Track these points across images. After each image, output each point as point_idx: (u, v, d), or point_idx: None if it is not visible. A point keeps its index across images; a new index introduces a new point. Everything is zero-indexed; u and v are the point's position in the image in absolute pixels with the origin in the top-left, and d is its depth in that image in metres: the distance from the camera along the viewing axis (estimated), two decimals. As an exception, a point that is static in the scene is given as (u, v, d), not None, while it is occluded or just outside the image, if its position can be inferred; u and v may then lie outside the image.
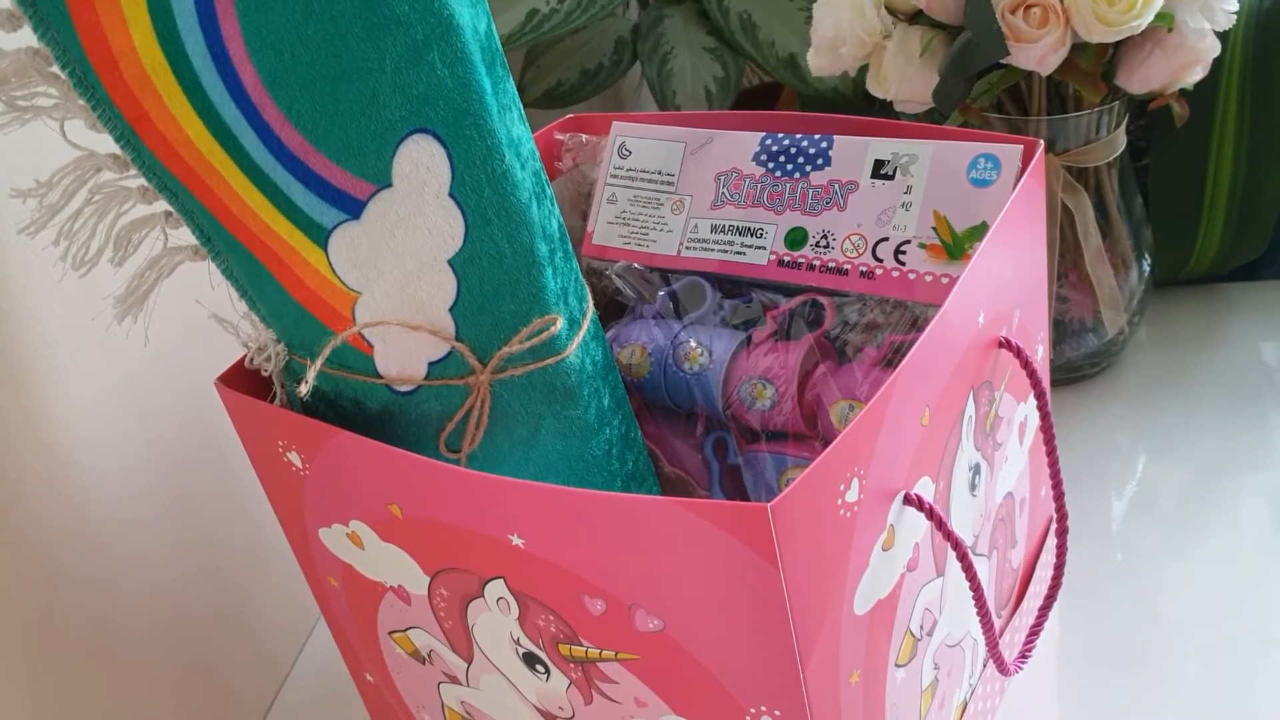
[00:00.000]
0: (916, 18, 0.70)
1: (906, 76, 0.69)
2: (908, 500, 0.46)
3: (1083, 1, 0.64)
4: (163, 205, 0.48)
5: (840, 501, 0.41)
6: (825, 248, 0.59)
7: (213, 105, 0.43)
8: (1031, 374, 0.54)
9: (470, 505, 0.45)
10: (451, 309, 0.48)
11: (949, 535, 0.47)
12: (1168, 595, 0.66)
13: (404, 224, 0.46)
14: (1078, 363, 0.81)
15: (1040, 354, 0.61)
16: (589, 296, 0.53)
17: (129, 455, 0.60)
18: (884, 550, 0.45)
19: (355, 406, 0.51)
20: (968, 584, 0.48)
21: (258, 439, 0.52)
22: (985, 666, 0.60)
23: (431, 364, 0.49)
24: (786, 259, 0.60)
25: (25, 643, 0.53)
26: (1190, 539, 0.69)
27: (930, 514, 0.46)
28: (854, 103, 0.90)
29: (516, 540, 0.45)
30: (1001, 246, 0.52)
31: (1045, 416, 0.57)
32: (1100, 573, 0.68)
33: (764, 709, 0.44)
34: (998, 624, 0.60)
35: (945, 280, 0.56)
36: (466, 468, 0.49)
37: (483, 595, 0.49)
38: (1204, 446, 0.75)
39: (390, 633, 0.56)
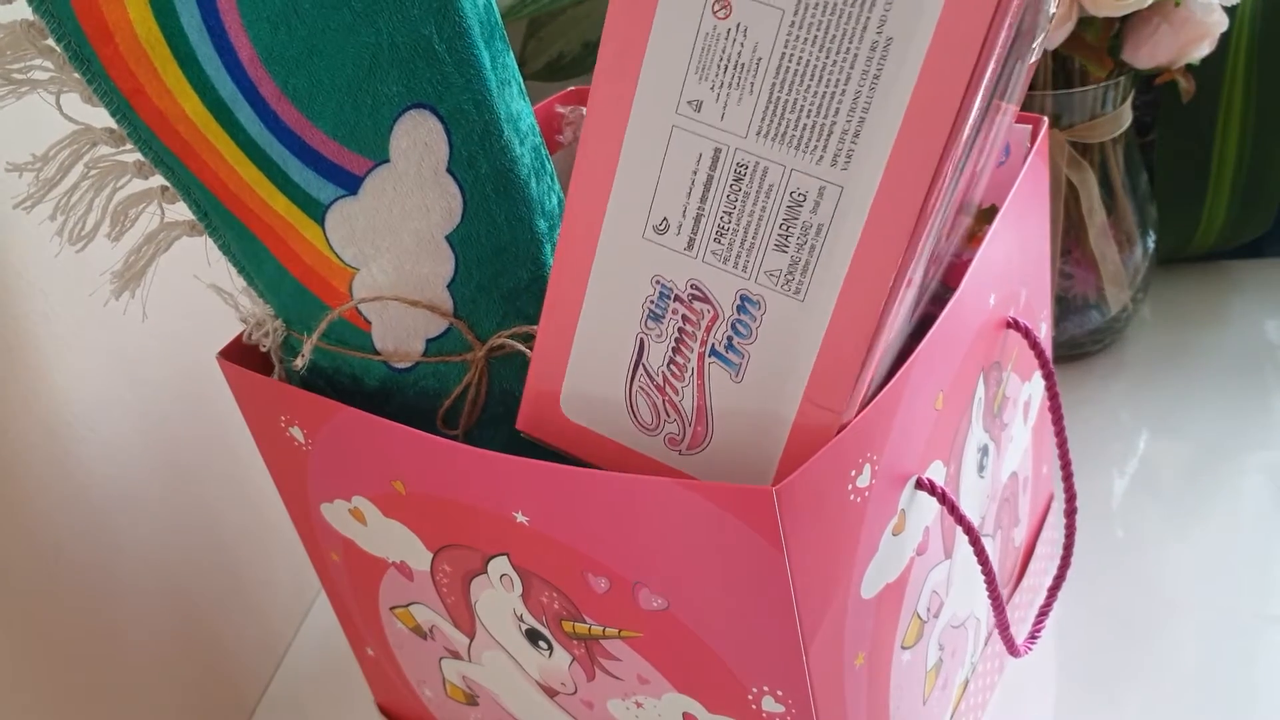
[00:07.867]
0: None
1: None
2: (920, 485, 0.45)
3: (1091, -26, 0.63)
4: (159, 180, 0.47)
5: (851, 486, 0.41)
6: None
7: (208, 79, 0.43)
8: (1040, 354, 0.54)
9: (475, 482, 0.45)
10: (449, 285, 0.47)
11: (961, 519, 0.46)
12: (1168, 573, 0.66)
13: (401, 200, 0.45)
14: (1081, 340, 0.80)
15: (1043, 331, 0.61)
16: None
17: (130, 430, 0.59)
18: (894, 535, 0.45)
19: (353, 383, 0.50)
20: (979, 567, 0.48)
21: (260, 414, 0.52)
22: (986, 645, 0.60)
23: (429, 341, 0.48)
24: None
25: (25, 616, 0.53)
26: (1192, 517, 0.69)
27: (943, 498, 0.46)
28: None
29: (521, 517, 0.45)
30: (1009, 226, 0.51)
31: (1054, 397, 0.56)
32: (1101, 550, 0.68)
33: (766, 689, 0.44)
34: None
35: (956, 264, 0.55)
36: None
37: (486, 572, 0.49)
38: (1206, 424, 0.75)
39: (392, 608, 0.55)
